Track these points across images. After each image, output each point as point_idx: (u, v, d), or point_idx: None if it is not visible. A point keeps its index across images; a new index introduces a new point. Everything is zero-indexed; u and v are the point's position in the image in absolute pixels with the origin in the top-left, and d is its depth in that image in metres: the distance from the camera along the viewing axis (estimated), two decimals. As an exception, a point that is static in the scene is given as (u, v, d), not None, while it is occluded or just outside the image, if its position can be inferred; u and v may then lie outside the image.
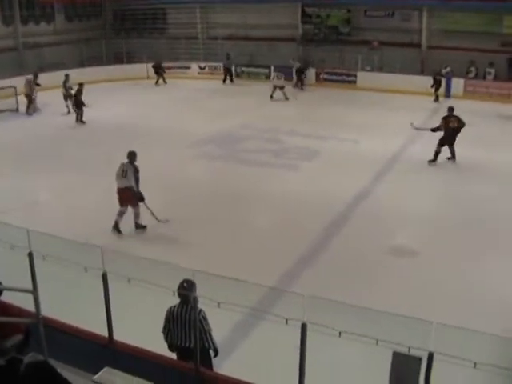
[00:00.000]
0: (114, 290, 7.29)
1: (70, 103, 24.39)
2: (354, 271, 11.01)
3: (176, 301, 7.02)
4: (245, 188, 15.60)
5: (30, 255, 7.77)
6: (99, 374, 5.99)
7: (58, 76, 28.74)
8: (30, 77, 25.25)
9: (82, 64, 32.29)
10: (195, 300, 6.67)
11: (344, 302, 6.55)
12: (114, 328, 7.48)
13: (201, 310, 6.77)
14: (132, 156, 13.13)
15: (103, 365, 6.20)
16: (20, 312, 7.05)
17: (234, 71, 32.84)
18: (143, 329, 8.19)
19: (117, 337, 7.51)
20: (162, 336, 7.24)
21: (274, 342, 8.14)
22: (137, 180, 12.90)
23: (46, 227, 9.32)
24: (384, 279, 10.84)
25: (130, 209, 12.93)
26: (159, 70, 31.68)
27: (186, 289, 6.75)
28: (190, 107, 24.84)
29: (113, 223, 12.83)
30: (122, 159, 17.70)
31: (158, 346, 7.26)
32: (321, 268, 11.15)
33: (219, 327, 7.28)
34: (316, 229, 12.94)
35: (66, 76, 25.14)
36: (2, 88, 24.24)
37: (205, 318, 6.85)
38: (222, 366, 7.44)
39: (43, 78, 28.08)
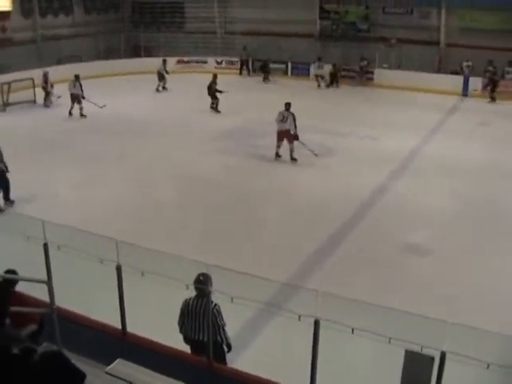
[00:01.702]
0: (129, 282, 7.33)
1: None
2: (369, 268, 10.98)
3: (189, 294, 7.03)
4: (260, 183, 15.59)
5: (45, 246, 7.82)
6: (112, 365, 6.01)
7: (75, 68, 28.96)
8: (46, 70, 25.21)
9: (99, 57, 32.39)
10: (209, 294, 6.68)
11: (357, 299, 6.54)
12: (127, 320, 7.52)
13: (216, 305, 6.79)
14: (289, 105, 17.39)
15: (116, 357, 6.22)
16: (35, 302, 7.10)
17: (251, 64, 32.87)
18: (156, 322, 8.22)
19: (130, 329, 7.55)
20: (175, 329, 7.26)
21: (287, 338, 8.14)
22: (295, 124, 17.13)
23: (62, 218, 9.38)
24: (399, 277, 10.81)
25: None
26: (265, 68, 31.62)
27: (202, 282, 6.77)
28: (206, 101, 24.81)
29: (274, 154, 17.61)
30: (135, 152, 17.92)
31: (171, 339, 7.28)
32: (335, 265, 11.12)
33: (232, 322, 7.28)
34: (332, 225, 12.91)
35: (164, 60, 27.22)
36: (20, 80, 24.36)
37: (219, 313, 6.87)
38: (235, 361, 7.45)
39: (60, 70, 28.21)
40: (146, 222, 13.02)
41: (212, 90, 23.65)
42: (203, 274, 6.80)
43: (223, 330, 6.96)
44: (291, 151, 17.34)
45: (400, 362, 5.79)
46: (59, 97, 24.70)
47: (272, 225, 13.42)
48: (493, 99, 26.53)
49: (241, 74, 32.46)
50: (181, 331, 7.21)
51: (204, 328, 6.86)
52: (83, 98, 22.63)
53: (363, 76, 30.50)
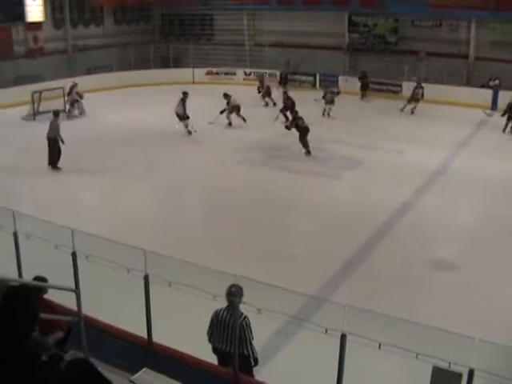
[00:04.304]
0: (155, 292, 7.35)
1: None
2: (395, 283, 10.90)
3: (216, 305, 7.01)
4: (287, 195, 15.56)
5: (74, 255, 7.90)
6: (138, 374, 6.05)
7: (105, 78, 29.42)
8: (75, 82, 25.35)
9: (128, 67, 32.69)
10: (238, 306, 6.65)
11: (384, 314, 6.50)
12: (153, 330, 7.55)
13: (245, 317, 6.74)
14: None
15: (141, 366, 6.26)
16: (62, 310, 7.15)
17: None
18: (182, 332, 8.22)
19: (156, 339, 7.57)
20: (201, 340, 7.25)
21: (313, 351, 8.09)
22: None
23: (91, 228, 9.43)
24: (425, 292, 10.72)
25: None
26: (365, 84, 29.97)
27: (233, 294, 6.73)
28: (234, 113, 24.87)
29: None
30: (163, 162, 18.02)
31: (197, 350, 7.28)
32: (361, 278, 11.04)
33: (259, 333, 7.25)
34: (358, 238, 12.84)
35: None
36: (50, 89, 24.64)
37: (248, 326, 6.80)
38: (260, 373, 7.41)
39: (90, 80, 28.57)
40: (174, 232, 13.05)
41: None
42: (235, 286, 6.77)
43: (250, 343, 6.89)
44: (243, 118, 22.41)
45: (427, 379, 5.74)
46: (77, 115, 24.92)
47: (299, 238, 13.42)
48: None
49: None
50: (209, 341, 7.16)
51: (231, 339, 6.82)
52: (187, 117, 21.77)
53: (415, 102, 26.69)
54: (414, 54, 30.03)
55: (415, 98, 26.54)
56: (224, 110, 23.23)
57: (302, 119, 19.60)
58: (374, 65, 30.65)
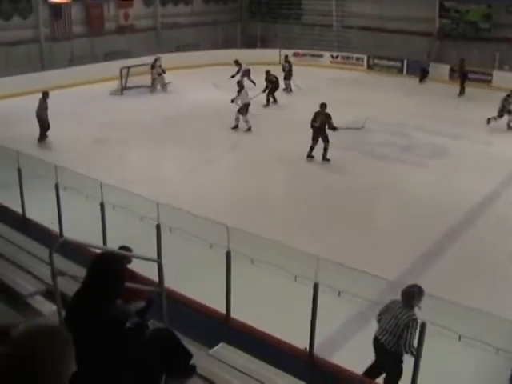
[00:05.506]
0: (236, 268, 7.42)
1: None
2: (477, 275, 10.60)
3: (297, 285, 7.00)
4: (370, 181, 15.36)
5: (158, 227, 8.07)
6: (215, 348, 6.13)
7: (193, 56, 29.84)
8: (158, 56, 25.89)
9: (216, 46, 32.93)
10: (411, 306, 6.57)
11: (465, 305, 6.36)
12: (232, 306, 7.63)
13: (415, 318, 6.48)
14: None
15: (219, 340, 6.34)
16: (144, 280, 7.32)
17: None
18: (261, 309, 8.27)
19: (234, 315, 7.65)
20: (278, 318, 7.28)
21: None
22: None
23: (171, 201, 9.56)
24: (508, 286, 10.42)
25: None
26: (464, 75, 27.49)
27: (408, 293, 6.62)
28: (319, 96, 24.74)
29: None
30: (246, 144, 18.13)
31: (274, 328, 7.31)
32: (443, 267, 10.81)
33: (337, 316, 7.24)
34: (441, 228, 12.56)
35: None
36: (139, 65, 25.17)
37: (413, 327, 6.46)
38: (334, 355, 7.41)
39: (177, 57, 29.05)
40: (256, 211, 13.10)
41: None
42: (415, 286, 6.70)
43: (409, 344, 6.51)
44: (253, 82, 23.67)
45: (506, 375, 5.62)
46: (168, 83, 25.39)
47: (379, 223, 13.29)
48: None
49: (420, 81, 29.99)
50: (378, 322, 6.98)
51: (388, 332, 6.67)
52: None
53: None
54: (507, 41, 28.98)
55: None
56: (266, 89, 23.64)
57: (315, 117, 16.97)
58: (464, 52, 29.68)
